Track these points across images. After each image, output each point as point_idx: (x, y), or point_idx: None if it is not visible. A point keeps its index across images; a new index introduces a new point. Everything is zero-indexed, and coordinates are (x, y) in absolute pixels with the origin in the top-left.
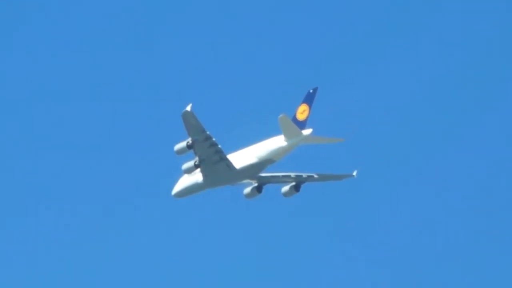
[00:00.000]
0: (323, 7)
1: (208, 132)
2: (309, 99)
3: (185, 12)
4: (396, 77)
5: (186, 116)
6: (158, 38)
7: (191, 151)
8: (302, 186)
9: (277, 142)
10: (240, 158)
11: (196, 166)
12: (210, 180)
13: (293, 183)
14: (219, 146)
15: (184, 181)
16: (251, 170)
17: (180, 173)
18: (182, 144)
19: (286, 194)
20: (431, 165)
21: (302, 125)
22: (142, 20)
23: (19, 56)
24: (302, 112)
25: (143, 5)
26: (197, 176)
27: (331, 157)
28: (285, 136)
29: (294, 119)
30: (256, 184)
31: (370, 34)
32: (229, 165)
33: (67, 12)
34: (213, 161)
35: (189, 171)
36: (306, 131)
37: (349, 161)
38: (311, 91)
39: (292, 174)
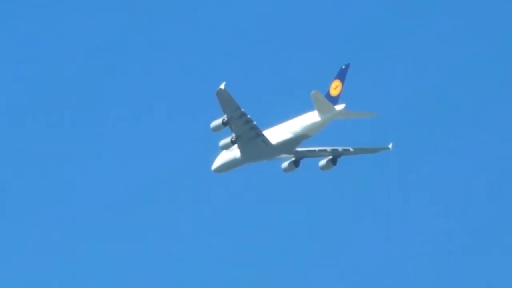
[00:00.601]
0: None
1: (243, 109)
2: (341, 75)
3: None
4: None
5: (220, 94)
6: (180, 13)
7: (227, 128)
8: (339, 160)
9: (311, 117)
10: (276, 134)
11: (232, 143)
12: (247, 155)
13: (330, 157)
14: (254, 122)
15: (223, 157)
16: (287, 145)
17: (217, 149)
18: (218, 121)
19: (323, 168)
20: (464, 138)
21: (335, 100)
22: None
23: (18, 56)
24: (335, 87)
25: None
26: (235, 152)
27: (366, 132)
28: (319, 111)
29: (327, 95)
30: (293, 159)
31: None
32: (265, 140)
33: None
34: (249, 137)
35: (226, 147)
36: (339, 106)
37: (382, 134)
38: (343, 67)
39: (328, 148)
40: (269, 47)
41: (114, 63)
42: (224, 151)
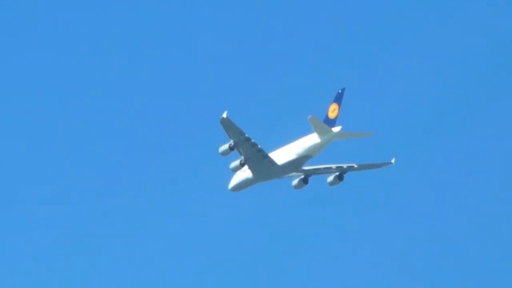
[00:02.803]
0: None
1: (246, 135)
2: (338, 99)
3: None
4: (405, 73)
5: (224, 122)
6: (180, 42)
7: (234, 151)
8: (345, 176)
9: (312, 139)
10: (281, 155)
11: (241, 165)
12: (258, 175)
13: (337, 173)
14: (259, 146)
15: (238, 177)
16: (292, 165)
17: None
18: (225, 146)
19: (331, 184)
20: (461, 147)
21: (333, 122)
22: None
23: (18, 55)
24: (333, 110)
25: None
26: (247, 172)
27: (364, 150)
28: (318, 134)
29: (326, 118)
30: (302, 176)
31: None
32: (271, 161)
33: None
34: (257, 159)
35: (236, 169)
36: (336, 128)
37: (378, 152)
38: (340, 91)
39: (333, 166)
40: (267, 71)
41: None
42: (238, 172)
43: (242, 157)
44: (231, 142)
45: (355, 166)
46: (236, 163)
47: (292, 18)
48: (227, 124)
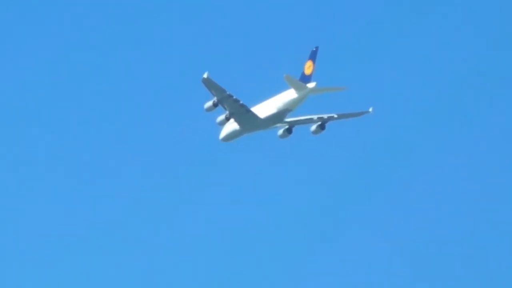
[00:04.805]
0: None
1: (228, 92)
2: (313, 56)
3: None
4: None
5: (205, 82)
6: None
7: (219, 107)
8: (327, 125)
9: (290, 94)
10: (263, 109)
11: (227, 119)
12: (244, 127)
13: (319, 123)
14: (241, 102)
15: (227, 129)
16: (274, 118)
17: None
18: (209, 103)
19: (314, 133)
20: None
21: (309, 78)
22: None
23: (18, 55)
24: (308, 67)
25: None
26: (235, 124)
27: (341, 103)
28: (294, 89)
29: (303, 74)
30: (286, 127)
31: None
32: (254, 115)
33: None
34: (241, 113)
35: (222, 123)
36: (311, 84)
37: (357, 104)
38: (314, 49)
39: (315, 117)
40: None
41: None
42: (227, 124)
43: (227, 112)
44: (215, 99)
45: (335, 116)
46: (222, 117)
47: None
48: (208, 84)
